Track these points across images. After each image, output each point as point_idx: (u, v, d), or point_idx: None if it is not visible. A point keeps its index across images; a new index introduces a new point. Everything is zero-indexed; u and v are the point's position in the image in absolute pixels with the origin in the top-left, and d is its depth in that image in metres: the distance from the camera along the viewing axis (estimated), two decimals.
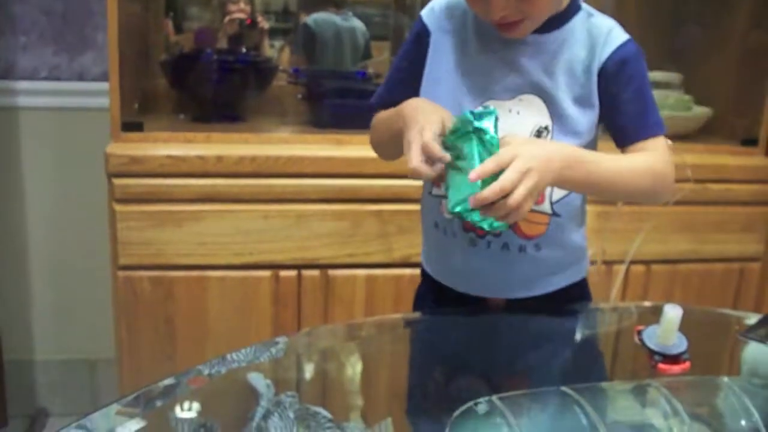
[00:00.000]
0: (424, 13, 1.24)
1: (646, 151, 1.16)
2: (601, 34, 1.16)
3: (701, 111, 2.28)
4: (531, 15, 1.10)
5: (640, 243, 1.84)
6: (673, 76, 2.29)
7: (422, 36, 1.22)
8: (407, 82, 1.24)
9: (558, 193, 1.17)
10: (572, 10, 1.17)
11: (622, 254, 1.88)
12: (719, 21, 2.34)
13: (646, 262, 2.06)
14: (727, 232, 2.13)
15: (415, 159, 1.02)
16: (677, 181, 1.78)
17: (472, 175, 0.96)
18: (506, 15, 1.08)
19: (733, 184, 2.12)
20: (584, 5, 1.19)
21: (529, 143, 1.06)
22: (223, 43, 2.26)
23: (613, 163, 1.12)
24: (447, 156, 1.02)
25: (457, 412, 0.84)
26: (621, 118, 1.17)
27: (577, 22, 1.17)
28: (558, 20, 1.16)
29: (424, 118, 1.06)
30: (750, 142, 2.21)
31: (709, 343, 1.23)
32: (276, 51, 2.35)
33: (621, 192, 1.20)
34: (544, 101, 1.15)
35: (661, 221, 1.94)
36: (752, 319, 1.25)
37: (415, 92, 1.22)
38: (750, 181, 2.14)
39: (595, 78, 1.15)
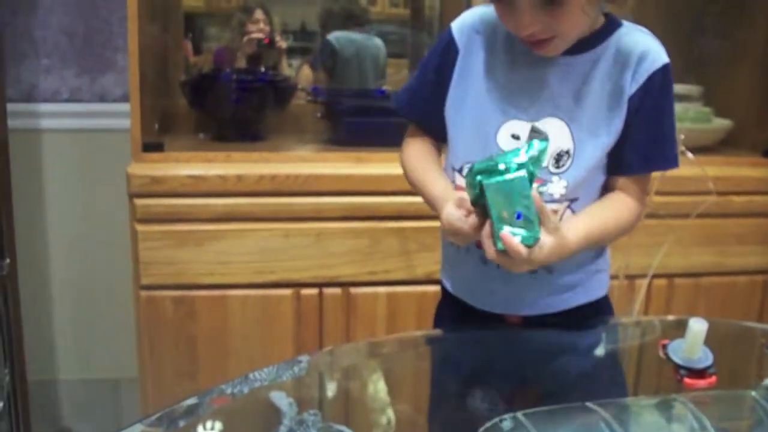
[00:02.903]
0: (455, 27, 1.21)
1: (637, 187, 1.19)
2: (633, 57, 1.12)
3: (721, 123, 2.27)
4: (561, 32, 1.07)
5: (663, 256, 1.83)
6: (693, 89, 2.28)
7: (450, 50, 1.20)
8: (432, 93, 1.22)
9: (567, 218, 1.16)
10: (609, 29, 1.14)
11: (645, 268, 1.87)
12: (738, 33, 2.33)
13: (669, 276, 2.04)
14: (750, 244, 2.11)
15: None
16: (699, 194, 1.78)
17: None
18: (535, 32, 1.06)
19: (755, 195, 2.10)
20: (625, 22, 1.16)
21: (551, 258, 1.05)
22: (241, 63, 2.28)
23: (608, 228, 1.16)
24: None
25: (481, 429, 0.83)
26: (630, 149, 1.16)
27: (612, 43, 1.13)
28: (592, 41, 1.13)
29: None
30: None
31: (734, 357, 1.22)
32: (294, 70, 2.37)
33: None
34: (568, 125, 1.13)
35: (683, 234, 1.93)
36: None
37: (439, 104, 1.22)
38: None
39: (625, 106, 1.13)
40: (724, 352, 1.11)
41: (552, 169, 1.13)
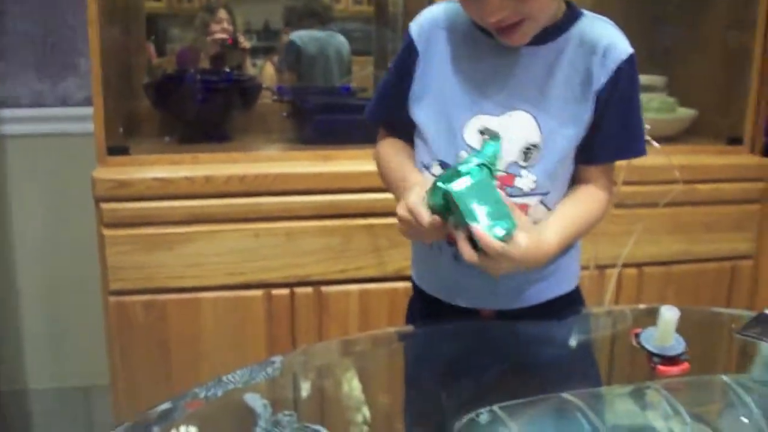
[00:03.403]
0: (413, 28, 1.20)
1: (605, 177, 1.21)
2: (599, 49, 1.11)
3: (686, 112, 2.29)
4: (529, 15, 1.06)
5: (632, 246, 1.84)
6: (656, 79, 2.30)
7: (411, 52, 1.19)
8: (398, 97, 1.21)
9: (540, 213, 1.16)
10: (571, 19, 1.13)
11: (615, 258, 1.88)
12: (700, 23, 2.36)
13: (639, 265, 2.06)
14: (717, 232, 2.13)
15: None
16: (667, 183, 1.80)
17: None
18: (504, 17, 1.05)
19: (721, 183, 2.12)
20: (586, 12, 1.16)
21: (529, 255, 1.05)
22: (205, 64, 2.26)
23: (582, 226, 1.17)
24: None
25: (459, 423, 0.83)
26: (601, 140, 1.16)
27: (575, 33, 1.13)
28: (554, 31, 1.12)
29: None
30: (735, 140, 2.22)
31: (705, 343, 1.23)
32: (258, 69, 2.36)
33: None
34: (535, 118, 1.13)
35: (651, 223, 1.94)
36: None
37: (404, 106, 1.21)
38: (737, 180, 2.14)
39: (592, 98, 1.12)
40: (695, 338, 1.12)
41: (521, 163, 1.13)
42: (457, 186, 1.00)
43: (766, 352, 1.15)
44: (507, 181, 1.13)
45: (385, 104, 1.26)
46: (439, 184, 1.02)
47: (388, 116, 1.26)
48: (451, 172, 1.02)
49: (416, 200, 1.06)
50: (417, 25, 1.20)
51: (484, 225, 0.99)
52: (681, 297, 2.10)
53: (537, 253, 1.06)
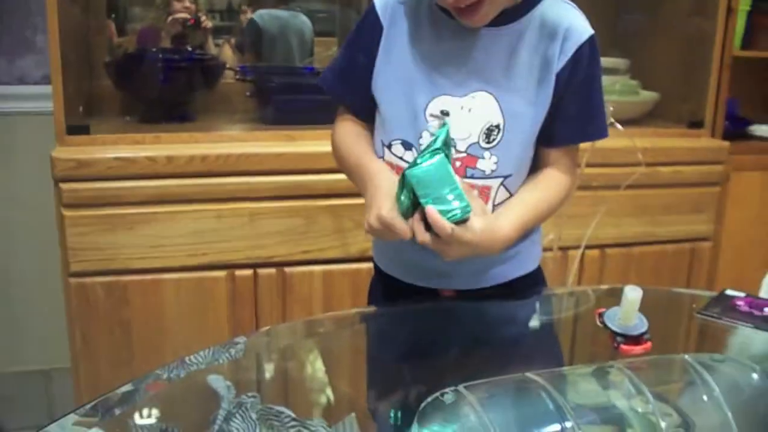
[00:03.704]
0: (378, 4, 1.19)
1: (567, 159, 1.20)
2: (560, 31, 1.11)
3: (648, 95, 2.31)
4: None
5: (595, 228, 1.86)
6: (619, 62, 2.32)
7: (375, 27, 1.18)
8: (360, 73, 1.20)
9: (502, 195, 1.17)
10: (532, 1, 1.13)
11: (577, 239, 1.90)
12: (662, 7, 2.38)
13: (601, 246, 2.08)
14: (678, 214, 2.16)
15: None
16: (629, 165, 1.81)
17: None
18: None
19: (682, 166, 2.15)
20: None
21: (482, 240, 1.05)
22: (166, 43, 2.23)
23: (542, 210, 1.18)
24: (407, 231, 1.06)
25: (424, 403, 0.83)
26: (562, 121, 1.16)
27: (536, 15, 1.13)
28: (515, 13, 1.12)
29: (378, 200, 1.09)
30: (696, 124, 2.25)
31: (666, 322, 1.24)
32: (219, 49, 2.33)
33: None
34: (496, 99, 1.13)
35: (614, 205, 1.96)
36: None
37: (368, 83, 1.20)
38: (698, 163, 2.17)
39: (553, 80, 1.12)
40: (656, 318, 1.13)
41: (483, 144, 1.13)
42: (414, 170, 1.01)
43: (742, 333, 1.17)
44: (469, 163, 1.13)
45: (348, 83, 1.24)
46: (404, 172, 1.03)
47: (353, 96, 1.24)
48: (413, 161, 1.03)
49: (391, 213, 1.06)
50: (381, 1, 1.19)
51: (438, 207, 1.01)
52: (642, 278, 2.12)
53: (491, 239, 1.07)
